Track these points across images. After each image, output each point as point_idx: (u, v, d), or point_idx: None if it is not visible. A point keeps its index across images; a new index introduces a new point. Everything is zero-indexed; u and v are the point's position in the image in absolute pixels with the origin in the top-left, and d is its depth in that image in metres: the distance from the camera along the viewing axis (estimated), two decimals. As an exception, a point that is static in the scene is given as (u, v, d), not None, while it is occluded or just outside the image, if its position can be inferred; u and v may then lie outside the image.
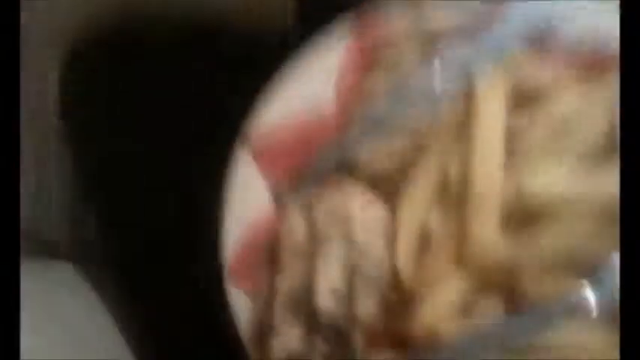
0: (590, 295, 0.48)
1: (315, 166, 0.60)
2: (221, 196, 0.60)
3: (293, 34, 0.74)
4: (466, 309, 0.52)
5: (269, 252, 0.57)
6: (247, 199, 0.60)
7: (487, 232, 0.52)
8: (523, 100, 0.58)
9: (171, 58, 0.73)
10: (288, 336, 0.52)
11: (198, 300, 0.61)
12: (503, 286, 0.52)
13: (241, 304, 0.56)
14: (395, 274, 0.56)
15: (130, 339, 0.54)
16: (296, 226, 0.56)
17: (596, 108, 0.55)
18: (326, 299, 0.53)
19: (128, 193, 0.70)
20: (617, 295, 0.48)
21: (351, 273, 0.54)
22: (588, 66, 0.57)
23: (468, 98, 0.59)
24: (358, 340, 0.52)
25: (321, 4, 0.68)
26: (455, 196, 0.56)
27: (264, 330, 0.53)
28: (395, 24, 0.63)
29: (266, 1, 0.78)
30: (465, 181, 0.55)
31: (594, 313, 0.48)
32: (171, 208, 0.68)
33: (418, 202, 0.57)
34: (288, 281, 0.54)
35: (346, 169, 0.60)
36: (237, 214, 0.59)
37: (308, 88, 0.63)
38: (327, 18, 0.66)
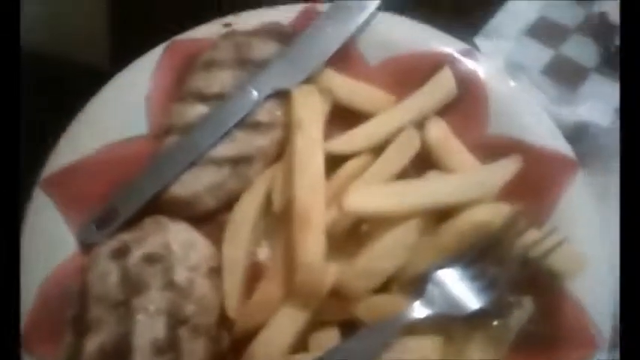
0: (421, 312, 0.48)
1: (125, 203, 0.54)
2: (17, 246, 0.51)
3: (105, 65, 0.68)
4: (302, 341, 0.50)
5: (74, 307, 0.49)
6: (45, 245, 0.51)
7: (313, 258, 0.50)
8: (341, 121, 0.59)
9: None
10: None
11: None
12: (337, 312, 0.50)
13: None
14: (223, 314, 0.51)
15: None
16: (107, 272, 0.49)
17: (409, 125, 0.56)
18: (146, 355, 0.46)
19: None
20: (446, 308, 0.49)
21: (175, 320, 0.48)
22: (399, 81, 0.60)
23: (286, 124, 0.58)
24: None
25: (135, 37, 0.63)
26: (280, 223, 0.54)
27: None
28: (211, 52, 0.60)
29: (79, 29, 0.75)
30: (288, 206, 0.53)
31: (428, 327, 0.48)
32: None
33: (243, 235, 0.54)
34: (98, 339, 0.46)
35: (162, 204, 0.55)
36: (33, 265, 0.51)
37: (116, 116, 0.57)
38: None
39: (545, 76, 0.71)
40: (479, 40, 0.72)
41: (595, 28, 0.74)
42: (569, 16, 0.75)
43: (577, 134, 0.65)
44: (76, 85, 0.61)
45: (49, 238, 0.52)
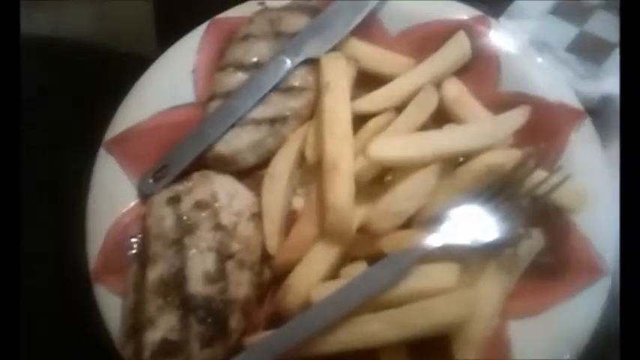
0: (438, 241, 0.54)
1: (177, 160, 0.61)
2: (85, 198, 0.59)
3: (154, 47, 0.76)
4: (334, 274, 0.56)
5: (137, 246, 0.57)
6: (111, 196, 0.60)
7: (342, 201, 0.56)
8: (367, 82, 0.65)
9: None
10: (163, 322, 0.51)
11: (66, 304, 0.59)
12: (364, 248, 0.56)
13: (110, 303, 0.55)
14: (265, 252, 0.58)
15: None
16: (163, 216, 0.57)
17: (428, 85, 0.62)
18: (199, 283, 0.53)
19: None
20: (461, 240, 0.54)
21: (222, 256, 0.55)
22: (418, 48, 0.66)
23: (316, 87, 0.65)
24: (235, 318, 0.53)
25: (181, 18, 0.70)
26: (313, 175, 0.61)
27: (137, 323, 0.52)
28: (247, 27, 0.68)
29: (128, 25, 0.83)
30: (320, 159, 0.59)
31: (444, 257, 0.54)
32: (39, 213, 0.65)
33: (280, 184, 0.61)
34: (158, 269, 0.54)
35: (209, 160, 0.62)
36: (101, 214, 0.59)
37: (167, 86, 0.65)
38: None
39: (570, 53, 0.74)
40: (503, 20, 0.75)
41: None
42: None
43: (602, 107, 0.68)
44: (127, 71, 0.69)
45: (114, 190, 0.60)
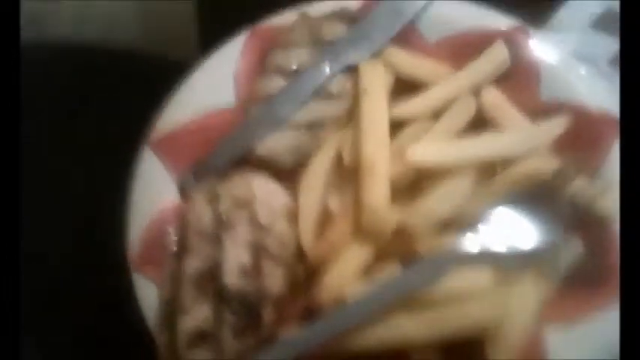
0: (472, 246, 0.53)
1: (217, 160, 0.63)
2: (126, 192, 0.61)
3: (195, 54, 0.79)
4: (367, 273, 0.56)
5: (176, 238, 0.58)
6: (152, 192, 0.61)
7: (378, 201, 0.56)
8: (405, 90, 0.66)
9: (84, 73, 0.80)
10: (197, 312, 0.52)
11: (106, 291, 0.61)
12: (399, 249, 0.56)
13: (148, 292, 0.56)
14: (299, 250, 0.59)
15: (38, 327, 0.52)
16: (202, 212, 0.58)
17: (466, 92, 0.63)
18: (234, 276, 0.54)
19: (39, 187, 0.69)
20: (495, 245, 0.54)
21: (258, 252, 0.56)
22: (456, 56, 0.66)
23: (354, 94, 0.66)
24: (268, 312, 0.54)
25: (223, 26, 0.73)
26: (349, 177, 0.61)
27: (172, 311, 0.53)
28: (288, 34, 0.70)
29: (170, 28, 0.87)
30: (356, 161, 0.60)
31: (481, 261, 0.53)
32: (80, 204, 0.68)
33: (316, 185, 0.62)
34: (195, 262, 0.55)
35: (248, 162, 0.64)
36: (142, 207, 0.61)
37: (209, 90, 0.67)
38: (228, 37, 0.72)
39: (613, 67, 0.73)
40: (543, 34, 0.73)
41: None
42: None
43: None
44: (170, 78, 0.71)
45: (156, 187, 0.62)
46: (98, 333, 0.62)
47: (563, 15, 0.77)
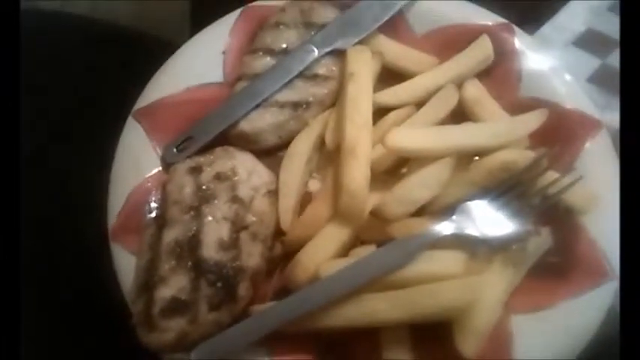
0: (447, 230, 0.55)
1: (202, 133, 0.63)
2: (108, 162, 0.62)
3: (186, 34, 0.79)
4: (343, 254, 0.57)
5: (156, 210, 0.59)
6: (136, 163, 0.61)
7: (357, 184, 0.57)
8: (390, 78, 0.67)
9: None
10: (174, 282, 0.53)
11: (83, 261, 0.61)
12: (375, 231, 0.58)
13: (125, 262, 0.56)
14: (278, 227, 0.59)
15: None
16: (184, 184, 0.59)
17: (450, 84, 0.64)
18: (212, 249, 0.55)
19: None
20: (467, 232, 0.55)
21: (237, 227, 0.57)
22: (442, 49, 0.68)
23: (340, 77, 0.67)
24: (244, 286, 0.55)
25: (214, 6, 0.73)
26: (331, 159, 0.62)
27: (149, 281, 0.54)
28: (279, 15, 0.70)
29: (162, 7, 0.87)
30: (338, 145, 0.61)
31: (453, 245, 0.55)
32: (61, 175, 0.68)
33: (298, 165, 0.62)
34: (174, 232, 0.56)
35: (232, 137, 0.64)
36: (124, 178, 0.61)
37: (197, 65, 0.68)
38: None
39: (591, 84, 0.75)
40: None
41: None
42: (615, 28, 0.78)
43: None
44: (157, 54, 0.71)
45: (138, 156, 0.62)
46: (76, 305, 0.62)
47: (547, 30, 0.79)
